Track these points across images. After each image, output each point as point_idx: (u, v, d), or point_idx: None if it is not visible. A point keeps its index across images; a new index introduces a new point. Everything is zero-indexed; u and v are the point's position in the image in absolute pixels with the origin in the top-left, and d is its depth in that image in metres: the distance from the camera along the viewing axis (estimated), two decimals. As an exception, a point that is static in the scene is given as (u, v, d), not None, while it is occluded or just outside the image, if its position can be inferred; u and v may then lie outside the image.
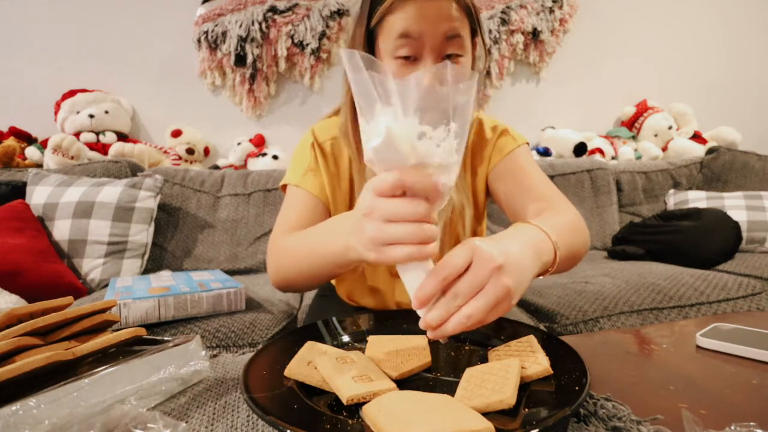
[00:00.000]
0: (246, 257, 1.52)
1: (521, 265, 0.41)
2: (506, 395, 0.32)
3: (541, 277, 0.48)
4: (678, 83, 2.26)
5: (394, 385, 0.37)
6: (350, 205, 0.73)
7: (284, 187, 0.72)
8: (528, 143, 0.76)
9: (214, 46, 1.82)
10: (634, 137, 2.14)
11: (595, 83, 2.19)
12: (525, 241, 0.44)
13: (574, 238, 0.56)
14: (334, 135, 0.72)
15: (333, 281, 0.84)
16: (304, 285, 0.63)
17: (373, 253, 0.40)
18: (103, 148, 1.71)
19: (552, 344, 0.43)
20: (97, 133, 1.72)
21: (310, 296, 1.10)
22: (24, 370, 0.33)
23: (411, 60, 0.59)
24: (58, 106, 1.73)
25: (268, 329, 0.92)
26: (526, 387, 0.36)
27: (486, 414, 0.31)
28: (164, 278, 1.05)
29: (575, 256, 0.57)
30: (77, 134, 1.70)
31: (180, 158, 1.82)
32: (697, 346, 0.49)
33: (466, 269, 0.37)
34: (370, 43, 0.63)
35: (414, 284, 0.39)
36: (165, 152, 1.83)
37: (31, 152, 1.63)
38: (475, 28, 0.64)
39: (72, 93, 1.73)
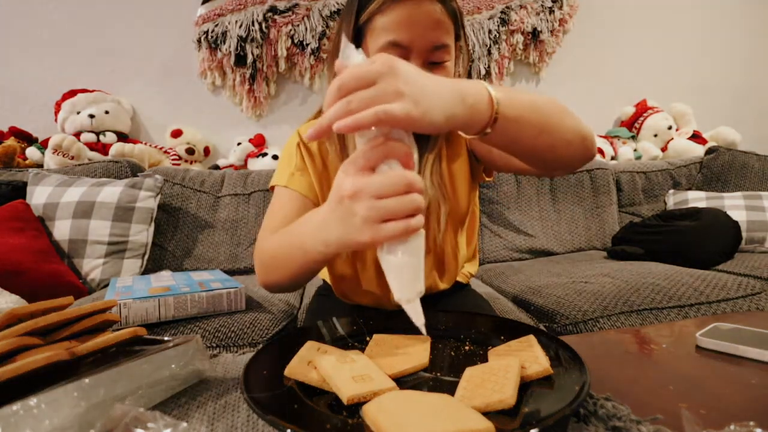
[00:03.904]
0: (246, 257, 1.52)
1: (426, 86, 0.39)
2: (506, 395, 0.32)
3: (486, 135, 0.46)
4: (678, 83, 2.25)
5: (394, 384, 0.37)
6: None
7: (273, 188, 0.73)
8: None
9: (214, 46, 1.82)
10: (633, 137, 2.14)
11: (595, 83, 2.19)
12: (445, 80, 0.42)
13: (543, 107, 0.51)
14: None
15: (329, 281, 0.84)
16: (290, 285, 0.61)
17: (369, 233, 0.38)
18: (103, 148, 1.71)
19: (552, 344, 0.43)
20: (98, 133, 1.71)
21: (310, 296, 1.10)
22: (24, 370, 0.33)
23: None
24: (58, 106, 1.73)
25: (268, 329, 0.92)
26: (526, 387, 0.36)
27: (486, 414, 0.31)
28: (164, 278, 1.05)
29: (545, 127, 0.52)
30: (77, 134, 1.70)
31: (180, 158, 1.82)
32: (697, 346, 0.49)
33: None
34: (357, 39, 0.64)
35: (397, 270, 0.39)
36: (165, 152, 1.83)
37: (32, 152, 1.63)
38: (459, 33, 0.65)
39: (72, 93, 1.73)
